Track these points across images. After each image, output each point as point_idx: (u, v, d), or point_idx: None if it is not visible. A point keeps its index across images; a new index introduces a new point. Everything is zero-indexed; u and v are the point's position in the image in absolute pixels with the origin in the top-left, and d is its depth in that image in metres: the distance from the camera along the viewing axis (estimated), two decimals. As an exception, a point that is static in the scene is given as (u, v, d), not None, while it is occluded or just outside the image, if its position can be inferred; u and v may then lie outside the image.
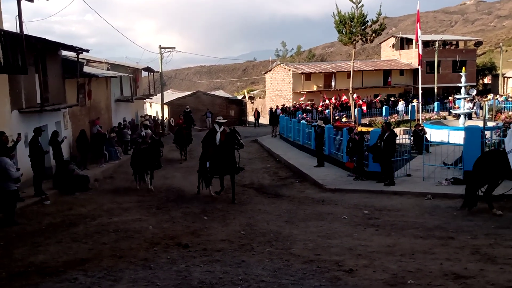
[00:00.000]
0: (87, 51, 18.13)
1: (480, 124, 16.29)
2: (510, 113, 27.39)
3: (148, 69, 33.72)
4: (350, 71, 30.21)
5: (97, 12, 25.06)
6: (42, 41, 14.37)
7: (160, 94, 36.61)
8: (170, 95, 46.00)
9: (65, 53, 17.86)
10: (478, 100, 33.02)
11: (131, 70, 29.08)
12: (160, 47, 34.54)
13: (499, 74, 46.96)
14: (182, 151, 20.75)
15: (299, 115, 28.35)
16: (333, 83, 41.07)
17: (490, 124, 20.17)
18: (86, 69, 20.36)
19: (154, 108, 42.96)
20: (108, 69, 25.24)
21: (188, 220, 10.12)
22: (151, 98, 37.36)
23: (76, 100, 17.83)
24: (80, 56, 17.86)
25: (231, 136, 12.30)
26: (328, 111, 30.99)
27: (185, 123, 23.60)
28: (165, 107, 38.03)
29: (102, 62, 26.14)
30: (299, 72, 40.63)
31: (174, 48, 35.08)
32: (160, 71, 35.58)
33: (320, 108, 34.80)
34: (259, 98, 56.50)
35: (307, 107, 35.04)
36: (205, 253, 7.56)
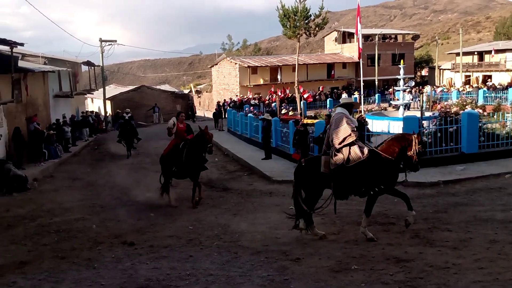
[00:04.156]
0: (22, 44, 17.21)
1: (418, 114, 17.03)
2: (445, 103, 28.82)
3: (88, 63, 32.52)
4: (295, 64, 30.60)
5: (32, 4, 23.94)
6: (-29, 33, 13.49)
7: (102, 89, 35.48)
8: (113, 90, 44.69)
9: (-3, 47, 16.88)
10: (414, 91, 34.48)
11: (70, 65, 27.95)
12: (101, 40, 33.42)
13: (435, 66, 49.24)
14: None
15: (246, 109, 28.45)
16: (279, 77, 41.48)
17: (427, 114, 21.14)
18: (21, 63, 19.32)
19: (96, 103, 41.60)
20: (45, 64, 24.10)
21: (133, 218, 9.90)
22: (93, 94, 36.14)
23: (11, 97, 16.91)
24: (15, 50, 16.93)
25: None
26: (275, 104, 31.30)
27: (127, 133, 19.81)
28: (108, 103, 36.93)
29: (39, 56, 24.90)
30: (246, 65, 40.70)
31: (116, 41, 34.08)
32: (101, 65, 34.47)
33: (266, 102, 35.11)
34: (206, 92, 56.09)
35: (254, 101, 35.20)
36: (151, 250, 7.45)
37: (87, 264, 6.87)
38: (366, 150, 7.39)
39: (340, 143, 7.36)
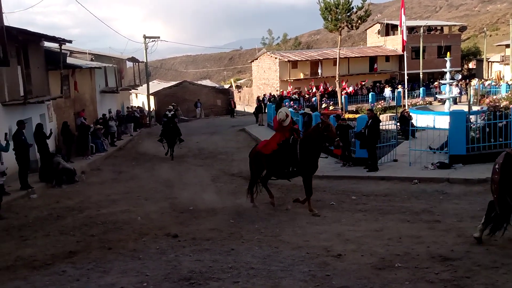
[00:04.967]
0: (70, 41, 17.88)
1: (465, 108, 16.48)
2: (494, 97, 27.73)
3: (133, 59, 33.35)
4: (337, 58, 30.22)
5: (79, 2, 24.83)
6: (24, 32, 14.11)
7: (146, 84, 36.29)
8: (156, 85, 45.59)
9: (47, 44, 17.60)
10: (461, 85, 33.34)
11: (115, 61, 28.74)
12: (145, 37, 34.13)
13: (483, 58, 47.35)
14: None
15: (286, 103, 28.35)
16: (319, 71, 41.03)
17: (475, 108, 20.40)
18: (70, 60, 20.06)
19: (140, 99, 42.57)
20: (92, 60, 24.90)
21: (176, 211, 10.09)
22: (137, 89, 37.01)
23: (60, 92, 17.61)
24: (63, 47, 17.61)
25: None
26: (315, 99, 31.04)
27: (170, 132, 18.34)
28: (152, 98, 37.73)
29: (86, 53, 25.78)
30: (286, 60, 40.51)
31: (159, 37, 34.69)
32: (145, 61, 35.22)
33: (307, 96, 34.86)
34: (246, 87, 56.30)
35: (294, 95, 35.04)
36: (194, 243, 7.57)
37: (132, 255, 7.06)
38: None
39: None
